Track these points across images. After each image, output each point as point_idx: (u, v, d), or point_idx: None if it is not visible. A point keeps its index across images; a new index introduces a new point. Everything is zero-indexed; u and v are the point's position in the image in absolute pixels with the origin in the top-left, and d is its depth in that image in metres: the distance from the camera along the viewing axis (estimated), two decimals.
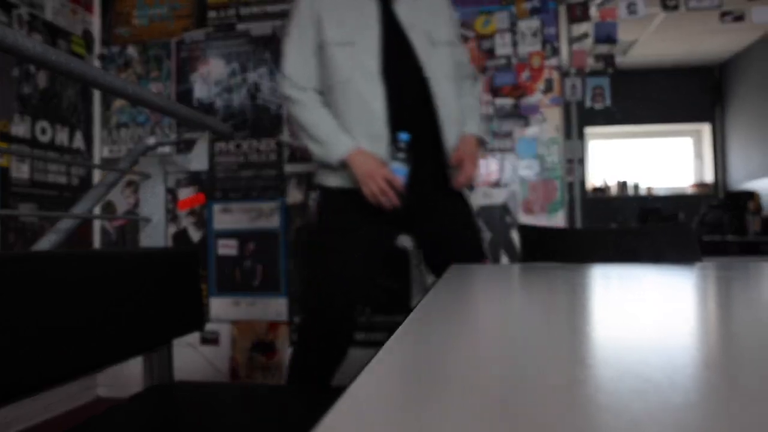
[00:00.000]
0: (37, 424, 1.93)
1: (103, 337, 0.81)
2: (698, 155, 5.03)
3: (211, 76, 2.32)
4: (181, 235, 2.31)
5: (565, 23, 2.26)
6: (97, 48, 2.41)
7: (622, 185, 4.93)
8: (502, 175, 2.14)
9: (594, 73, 2.35)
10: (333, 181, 1.38)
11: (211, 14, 2.34)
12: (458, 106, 1.41)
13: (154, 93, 1.60)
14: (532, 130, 2.13)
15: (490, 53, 2.16)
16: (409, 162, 1.29)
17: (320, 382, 1.35)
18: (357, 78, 1.31)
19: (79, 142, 2.28)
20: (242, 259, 2.26)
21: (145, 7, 2.39)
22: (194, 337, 2.26)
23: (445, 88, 1.37)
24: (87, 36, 2.35)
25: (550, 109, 2.13)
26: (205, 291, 2.26)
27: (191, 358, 2.26)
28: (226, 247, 2.27)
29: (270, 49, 2.28)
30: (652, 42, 4.18)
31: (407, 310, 1.44)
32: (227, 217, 2.28)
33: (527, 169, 2.13)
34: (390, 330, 1.46)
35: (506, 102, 2.14)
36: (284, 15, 2.23)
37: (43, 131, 2.08)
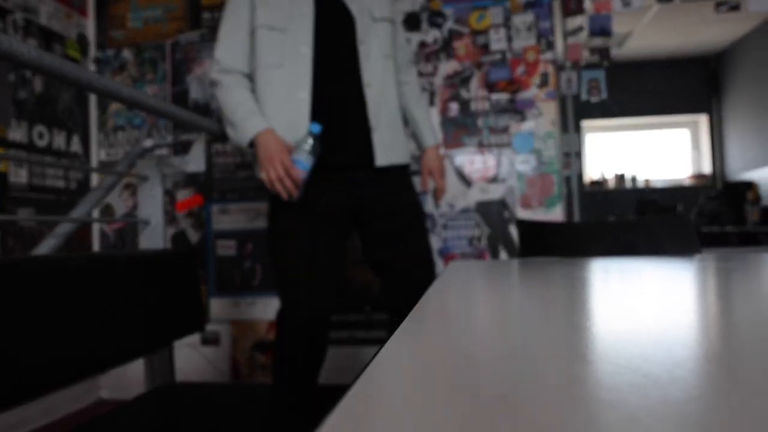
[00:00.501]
0: (41, 427, 1.93)
1: (104, 339, 0.81)
2: (695, 146, 5.03)
3: (207, 77, 2.32)
4: (180, 237, 2.31)
5: (559, 17, 2.25)
6: (92, 51, 2.41)
7: (620, 178, 4.93)
8: (500, 171, 2.14)
9: (589, 66, 2.35)
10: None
11: (205, 15, 2.34)
12: (393, 89, 1.38)
13: (150, 95, 1.60)
14: (528, 125, 2.13)
15: (485, 48, 2.16)
16: (314, 154, 1.22)
17: (303, 380, 1.27)
18: (286, 65, 1.27)
19: (76, 145, 2.27)
20: (241, 260, 2.26)
21: (139, 9, 2.39)
22: (195, 337, 2.26)
23: (377, 65, 1.33)
24: (82, 40, 2.34)
25: (546, 103, 2.12)
26: (205, 292, 2.26)
27: (192, 358, 2.26)
28: (225, 248, 2.27)
29: None
30: (647, 34, 4.18)
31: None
32: (225, 218, 2.28)
33: (524, 164, 2.13)
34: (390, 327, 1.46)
35: (502, 97, 2.14)
36: None
37: (40, 136, 2.07)
